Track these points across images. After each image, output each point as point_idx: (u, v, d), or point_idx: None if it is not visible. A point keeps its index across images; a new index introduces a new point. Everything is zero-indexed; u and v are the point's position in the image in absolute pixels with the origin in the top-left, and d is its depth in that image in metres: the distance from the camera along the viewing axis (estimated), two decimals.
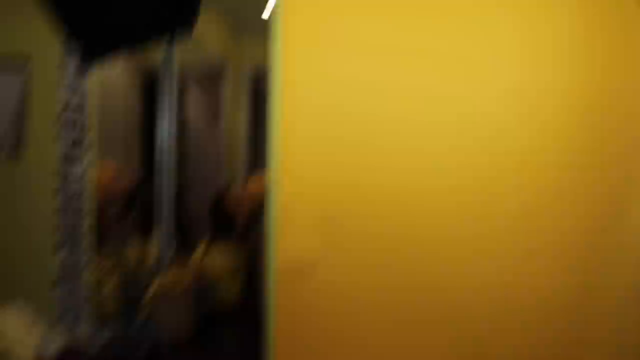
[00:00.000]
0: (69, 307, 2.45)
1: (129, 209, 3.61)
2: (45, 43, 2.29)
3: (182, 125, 4.24)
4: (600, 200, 2.00)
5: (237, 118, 4.66)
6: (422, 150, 2.06)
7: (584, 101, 2.00)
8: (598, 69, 1.99)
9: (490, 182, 2.02)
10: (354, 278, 2.07)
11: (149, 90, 3.82)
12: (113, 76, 3.57)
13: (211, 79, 4.61)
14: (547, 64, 2.01)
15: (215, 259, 3.76)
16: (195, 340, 3.04)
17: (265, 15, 3.22)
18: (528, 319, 2.00)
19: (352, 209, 2.07)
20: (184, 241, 4.06)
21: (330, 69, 2.09)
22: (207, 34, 4.13)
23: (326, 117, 2.09)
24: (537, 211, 2.00)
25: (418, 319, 2.05)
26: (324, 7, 2.09)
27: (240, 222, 3.76)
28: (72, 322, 2.47)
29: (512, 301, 2.00)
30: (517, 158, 2.02)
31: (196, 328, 3.12)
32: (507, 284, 2.01)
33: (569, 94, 2.00)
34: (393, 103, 2.07)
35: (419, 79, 2.07)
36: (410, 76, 2.07)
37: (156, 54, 3.50)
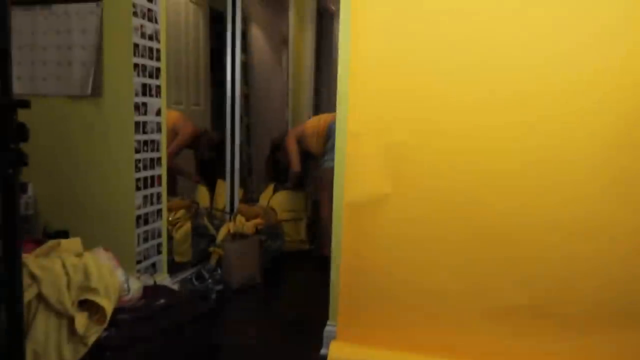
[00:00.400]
0: (147, 249, 2.49)
1: (197, 156, 3.60)
2: None
3: (249, 62, 4.12)
4: None
5: (302, 50, 4.46)
6: (490, 86, 1.86)
7: None
8: None
9: (567, 114, 1.80)
10: (420, 215, 1.96)
11: (217, 25, 3.69)
12: (182, 15, 3.45)
13: (277, 7, 4.41)
14: None
15: (280, 203, 3.74)
16: (263, 283, 3.07)
17: None
18: (606, 260, 1.82)
19: (419, 146, 1.94)
20: (251, 186, 4.07)
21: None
22: None
23: (396, 51, 1.93)
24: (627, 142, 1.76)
25: (486, 257, 1.92)
26: None
27: (296, 168, 3.68)
28: (150, 264, 2.51)
29: (590, 241, 1.82)
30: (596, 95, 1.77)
31: (265, 271, 3.14)
32: (583, 220, 1.83)
33: None
34: (471, 32, 1.86)
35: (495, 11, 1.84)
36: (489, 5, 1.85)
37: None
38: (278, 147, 3.89)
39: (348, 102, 2.01)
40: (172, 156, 3.22)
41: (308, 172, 3.91)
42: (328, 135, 3.45)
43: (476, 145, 1.90)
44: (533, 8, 1.81)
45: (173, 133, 3.30)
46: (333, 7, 4.81)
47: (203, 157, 3.63)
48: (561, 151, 1.83)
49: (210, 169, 3.67)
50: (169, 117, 3.22)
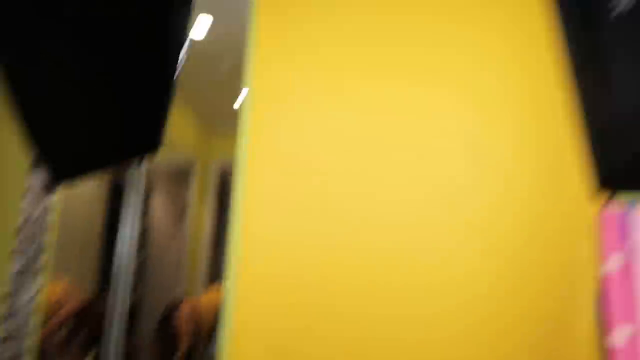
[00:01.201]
0: None
1: (78, 329, 3.31)
2: (9, 157, 2.24)
3: (144, 234, 4.08)
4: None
5: (202, 222, 4.54)
6: (378, 281, 1.98)
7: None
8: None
9: (445, 261, 1.95)
10: None
11: (115, 195, 3.69)
12: (78, 186, 3.44)
13: (179, 178, 4.54)
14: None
15: None
16: None
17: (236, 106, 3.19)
18: None
19: (307, 336, 1.94)
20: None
21: (295, 174, 2.06)
22: (178, 131, 4.12)
23: (290, 235, 2.02)
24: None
25: None
26: (290, 102, 2.10)
27: (186, 343, 3.49)
28: None
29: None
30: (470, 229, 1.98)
31: None
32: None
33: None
34: (360, 210, 2.02)
35: (386, 179, 2.05)
36: (378, 177, 2.05)
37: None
38: (170, 315, 3.69)
39: (236, 294, 2.02)
40: (55, 332, 2.94)
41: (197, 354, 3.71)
42: (217, 317, 3.37)
43: (372, 345, 1.93)
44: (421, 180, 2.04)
45: (57, 306, 3.05)
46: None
47: (92, 333, 3.34)
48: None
49: (95, 340, 3.35)
50: (54, 289, 3.01)
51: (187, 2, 0.93)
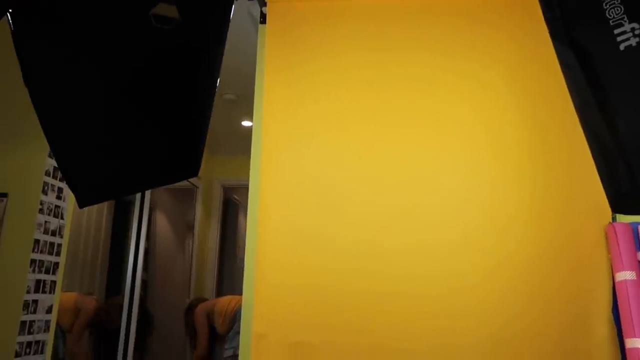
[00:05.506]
0: None
1: (92, 338, 3.33)
2: (21, 182, 2.29)
3: (151, 248, 4.10)
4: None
5: (207, 237, 4.57)
6: (391, 288, 1.99)
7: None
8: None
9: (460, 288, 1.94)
10: None
11: (122, 212, 3.73)
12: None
13: (184, 196, 4.58)
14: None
15: None
16: None
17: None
18: None
19: (324, 346, 1.97)
20: None
21: (305, 191, 2.10)
22: None
23: (302, 249, 2.06)
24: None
25: None
26: (298, 129, 2.16)
27: (202, 350, 3.51)
28: None
29: None
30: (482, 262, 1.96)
31: None
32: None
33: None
34: (367, 228, 2.05)
35: (392, 210, 2.08)
36: (385, 205, 2.08)
37: None
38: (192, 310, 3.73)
39: (254, 305, 2.06)
40: (80, 336, 3.00)
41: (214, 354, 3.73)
42: (234, 320, 3.40)
43: (384, 343, 1.95)
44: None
45: (75, 312, 3.15)
46: (237, 198, 5.11)
47: (107, 329, 3.38)
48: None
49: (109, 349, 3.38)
50: (68, 297, 3.09)
51: (220, 44, 1.00)
